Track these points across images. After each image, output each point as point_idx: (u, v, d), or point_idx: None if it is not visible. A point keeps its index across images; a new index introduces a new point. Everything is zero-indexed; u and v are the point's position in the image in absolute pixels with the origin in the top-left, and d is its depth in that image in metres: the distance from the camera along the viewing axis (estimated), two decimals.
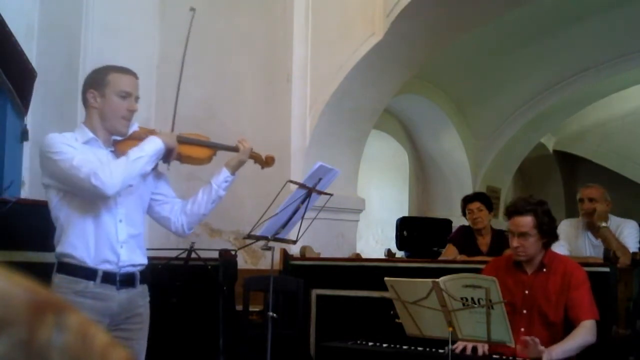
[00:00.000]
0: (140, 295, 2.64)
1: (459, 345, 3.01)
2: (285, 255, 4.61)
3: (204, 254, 4.20)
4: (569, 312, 3.12)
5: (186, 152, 2.76)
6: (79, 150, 2.48)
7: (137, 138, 2.68)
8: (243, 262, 4.89)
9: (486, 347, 3.07)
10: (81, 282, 2.48)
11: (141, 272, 2.63)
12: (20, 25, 4.89)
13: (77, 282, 2.48)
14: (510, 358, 2.96)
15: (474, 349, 3.06)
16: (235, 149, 2.82)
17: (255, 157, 2.91)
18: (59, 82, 5.07)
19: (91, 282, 2.48)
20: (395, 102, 6.71)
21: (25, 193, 4.94)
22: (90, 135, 2.58)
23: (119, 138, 2.67)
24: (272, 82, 5.23)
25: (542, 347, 2.92)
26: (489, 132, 8.08)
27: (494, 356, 3.00)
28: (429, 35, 5.08)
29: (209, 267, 4.21)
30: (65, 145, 2.48)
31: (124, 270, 2.55)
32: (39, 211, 3.67)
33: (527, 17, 6.20)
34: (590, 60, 7.45)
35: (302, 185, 3.07)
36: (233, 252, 4.36)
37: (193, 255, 4.21)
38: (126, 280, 2.56)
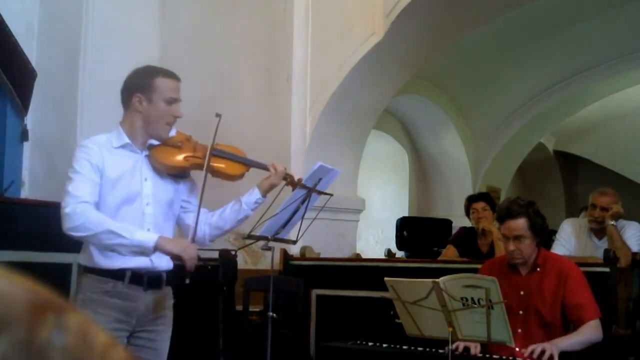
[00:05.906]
0: (166, 297, 2.68)
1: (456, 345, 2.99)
2: (285, 255, 4.61)
3: (204, 254, 4.17)
4: (570, 314, 3.12)
5: (219, 166, 2.74)
6: (86, 176, 2.44)
7: (173, 145, 2.67)
8: (243, 262, 4.89)
9: (478, 347, 3.06)
10: (109, 281, 2.50)
11: (167, 274, 2.64)
12: (20, 25, 4.89)
13: (106, 281, 2.50)
14: (510, 358, 2.97)
15: (466, 348, 3.06)
16: (267, 169, 2.80)
17: (287, 179, 2.87)
18: (59, 82, 5.07)
19: (120, 282, 2.51)
20: (395, 102, 6.71)
21: (25, 193, 4.94)
22: (126, 140, 2.57)
23: (155, 142, 2.65)
24: (272, 82, 5.22)
25: (543, 345, 2.93)
26: (489, 132, 8.08)
27: (494, 356, 3.00)
28: (429, 35, 5.08)
29: (209, 267, 4.21)
30: (83, 161, 2.46)
31: (151, 272, 2.58)
32: (39, 211, 3.67)
33: (527, 16, 6.20)
34: (590, 60, 7.45)
35: (302, 186, 3.07)
36: (233, 252, 4.35)
37: None
38: (153, 282, 2.58)
